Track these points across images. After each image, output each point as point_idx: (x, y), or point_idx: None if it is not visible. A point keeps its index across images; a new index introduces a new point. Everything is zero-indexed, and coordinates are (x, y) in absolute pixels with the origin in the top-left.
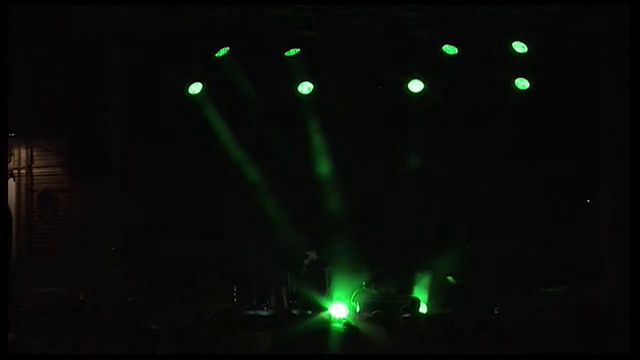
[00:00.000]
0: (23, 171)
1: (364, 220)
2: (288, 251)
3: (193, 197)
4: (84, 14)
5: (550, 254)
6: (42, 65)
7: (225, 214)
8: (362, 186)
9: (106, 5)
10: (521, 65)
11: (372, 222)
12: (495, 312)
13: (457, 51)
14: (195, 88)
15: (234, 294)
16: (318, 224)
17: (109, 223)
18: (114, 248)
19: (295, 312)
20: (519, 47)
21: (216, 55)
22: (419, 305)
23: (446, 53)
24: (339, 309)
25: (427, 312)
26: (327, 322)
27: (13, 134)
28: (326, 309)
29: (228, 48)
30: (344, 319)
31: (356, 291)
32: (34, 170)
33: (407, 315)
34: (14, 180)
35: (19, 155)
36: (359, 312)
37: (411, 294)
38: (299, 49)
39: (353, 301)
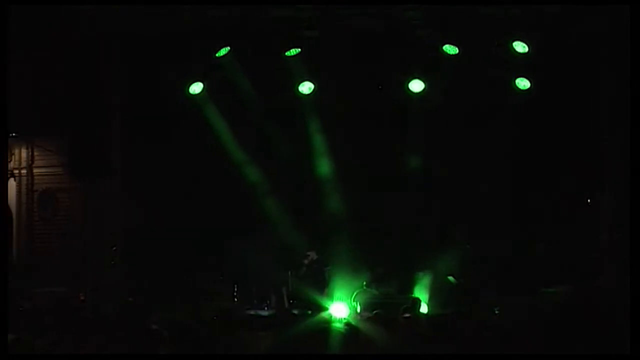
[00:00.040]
0: (24, 171)
1: (365, 220)
2: (288, 251)
3: (193, 197)
4: (84, 14)
5: (550, 254)
6: (42, 65)
7: (226, 214)
8: (363, 186)
9: (106, 5)
10: (522, 65)
11: (373, 222)
12: (496, 312)
13: (457, 51)
14: (196, 88)
15: (235, 294)
16: (318, 224)
17: (110, 223)
18: (114, 248)
19: (295, 312)
20: (520, 47)
21: (217, 55)
22: (420, 305)
23: (447, 53)
24: (340, 309)
25: (427, 312)
26: (328, 322)
27: (14, 134)
28: (327, 309)
29: (228, 48)
30: (344, 319)
31: (357, 291)
32: (35, 170)
33: (407, 315)
34: (15, 180)
35: (20, 155)
36: (360, 312)
37: (412, 294)
38: (299, 49)
39: (354, 301)
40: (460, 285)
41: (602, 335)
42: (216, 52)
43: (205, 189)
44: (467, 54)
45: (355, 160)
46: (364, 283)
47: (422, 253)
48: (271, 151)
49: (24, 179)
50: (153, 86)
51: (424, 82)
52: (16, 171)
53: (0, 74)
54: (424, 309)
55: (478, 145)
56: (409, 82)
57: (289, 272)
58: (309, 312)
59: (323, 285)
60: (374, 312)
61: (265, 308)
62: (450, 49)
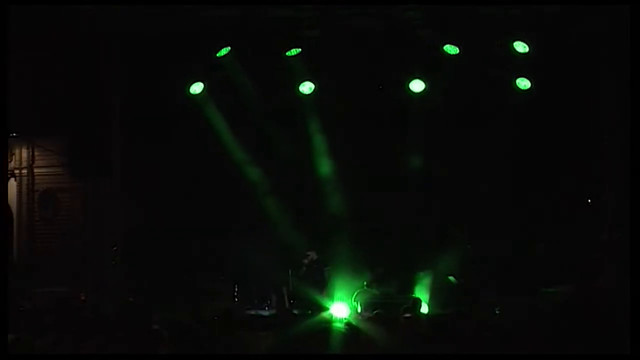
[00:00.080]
0: (24, 171)
1: (365, 220)
2: (288, 251)
3: (194, 197)
4: (84, 14)
5: (551, 254)
6: (42, 65)
7: (226, 214)
8: (363, 186)
9: (106, 5)
10: (522, 65)
11: (373, 222)
12: (497, 312)
13: (458, 51)
14: (196, 88)
15: (235, 294)
16: (319, 224)
17: (110, 223)
18: (114, 248)
19: (296, 312)
20: (520, 47)
21: (217, 55)
22: (420, 305)
23: (447, 53)
24: (340, 309)
25: (428, 312)
26: (329, 322)
27: (14, 134)
28: (327, 309)
29: (229, 48)
30: (345, 319)
31: (357, 291)
32: (35, 170)
33: (408, 315)
34: (15, 180)
35: (20, 155)
36: (360, 312)
37: (412, 294)
38: (300, 49)
39: (354, 301)
40: (460, 285)
41: (602, 335)
42: (217, 52)
43: (206, 189)
44: (467, 54)
45: (356, 160)
46: (365, 283)
47: (422, 253)
48: (271, 151)
49: (24, 179)
50: (153, 86)
51: (424, 82)
52: (17, 171)
53: (1, 74)
54: (424, 309)
55: (478, 145)
56: (409, 82)
57: (290, 272)
58: (310, 312)
59: (322, 286)
60: (375, 312)
61: (266, 308)
62: (450, 49)
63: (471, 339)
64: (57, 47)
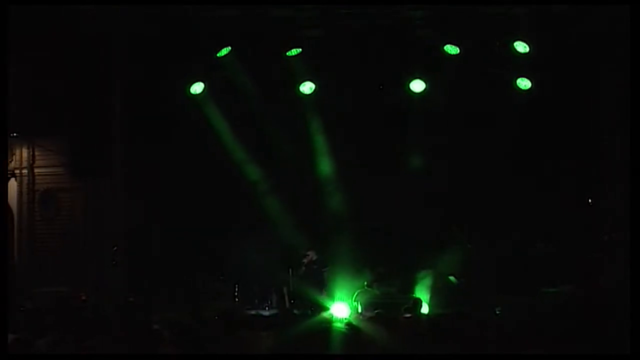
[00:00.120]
0: (25, 171)
1: (366, 220)
2: (288, 251)
3: (194, 197)
4: (84, 14)
5: (551, 254)
6: (43, 66)
7: (227, 214)
8: (364, 186)
9: (106, 5)
10: (523, 65)
11: (374, 222)
12: (497, 312)
13: (458, 51)
14: (197, 88)
15: (236, 293)
16: (319, 224)
17: (111, 223)
18: (115, 248)
19: (296, 312)
20: (521, 46)
21: (218, 55)
22: (421, 305)
23: (448, 53)
24: (341, 308)
25: (428, 312)
26: (329, 322)
27: (15, 134)
28: (328, 309)
29: (230, 48)
30: (345, 318)
31: (358, 291)
32: (36, 170)
33: (408, 315)
34: (16, 180)
35: (21, 155)
36: (361, 312)
37: (413, 293)
38: (300, 49)
39: (355, 301)
40: (461, 285)
41: (602, 335)
42: (217, 52)
43: (206, 188)
44: (468, 54)
45: (356, 160)
46: (365, 283)
47: (422, 253)
48: (272, 151)
49: (25, 179)
50: (154, 86)
51: (425, 82)
52: (17, 171)
53: (1, 74)
54: (425, 308)
55: (479, 145)
56: (409, 82)
57: (290, 272)
58: (310, 312)
59: (321, 286)
60: (375, 312)
61: (267, 308)
62: (451, 49)
63: (472, 339)
64: (57, 47)
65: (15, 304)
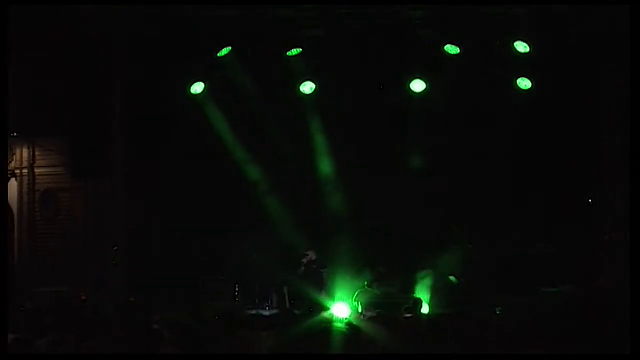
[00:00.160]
0: (25, 171)
1: (366, 220)
2: (288, 251)
3: (194, 197)
4: (84, 14)
5: (551, 254)
6: (43, 66)
7: (227, 214)
8: (364, 186)
9: (106, 5)
10: (523, 65)
11: (374, 222)
12: (498, 312)
13: (459, 51)
14: (197, 88)
15: (236, 293)
16: (320, 224)
17: (111, 223)
18: (115, 248)
19: (297, 312)
20: (521, 46)
21: (218, 55)
22: (421, 305)
23: (448, 53)
24: (341, 308)
25: (429, 312)
26: (330, 322)
27: (15, 134)
28: (328, 309)
29: (230, 48)
30: (346, 318)
31: (358, 291)
32: (36, 170)
33: (409, 315)
34: (16, 180)
35: (21, 155)
36: (361, 312)
37: (413, 293)
38: (301, 49)
39: (355, 301)
40: (461, 285)
41: (602, 335)
42: (217, 52)
43: (206, 188)
44: (468, 54)
45: (357, 160)
46: (366, 283)
47: (423, 253)
48: (272, 151)
49: (25, 179)
50: (154, 86)
51: (425, 82)
52: (18, 171)
53: (1, 74)
54: (425, 309)
55: (479, 145)
56: (410, 82)
57: (291, 272)
58: (309, 311)
59: (321, 286)
60: (376, 311)
61: (267, 308)
62: (451, 49)
63: (473, 339)
64: (57, 47)
65: (15, 304)
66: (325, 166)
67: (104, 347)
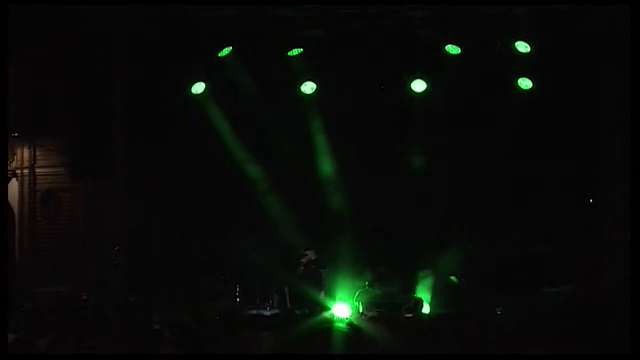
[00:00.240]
0: (26, 171)
1: (367, 220)
2: (289, 250)
3: (195, 197)
4: (84, 14)
5: (551, 254)
6: (43, 66)
7: (228, 214)
8: (365, 186)
9: (106, 5)
10: (524, 65)
11: (375, 221)
12: (499, 312)
13: (459, 51)
14: (198, 88)
15: (237, 293)
16: (320, 224)
17: (111, 223)
18: (116, 248)
19: (298, 311)
20: (522, 46)
21: (219, 55)
22: (422, 305)
23: (449, 53)
24: (342, 308)
25: (429, 312)
26: (330, 322)
27: (16, 134)
28: (329, 309)
29: (231, 48)
30: (346, 318)
31: (359, 291)
32: (37, 170)
33: (409, 315)
34: (17, 180)
35: (22, 155)
36: (362, 311)
37: (414, 293)
38: (301, 49)
39: (356, 301)
40: (462, 285)
41: (602, 335)
42: (218, 52)
43: (207, 188)
44: (469, 54)
45: (357, 160)
46: (366, 283)
47: (423, 253)
48: (273, 151)
49: (26, 179)
50: (154, 86)
51: (425, 82)
52: (18, 171)
53: (1, 74)
54: (426, 308)
55: (480, 145)
56: (411, 82)
57: (290, 272)
58: (307, 312)
59: (320, 286)
60: (376, 311)
61: (268, 308)
62: (452, 49)
63: (473, 339)
64: (57, 47)
65: (15, 304)
66: (326, 166)
67: (104, 347)
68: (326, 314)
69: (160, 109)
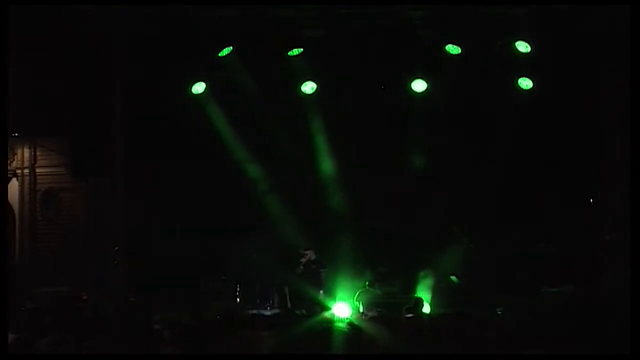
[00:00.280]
0: (26, 171)
1: (367, 220)
2: (288, 250)
3: (195, 197)
4: (84, 14)
5: (551, 254)
6: (43, 66)
7: (228, 214)
8: (365, 186)
9: (106, 5)
10: (524, 65)
11: (375, 221)
12: (499, 312)
13: (460, 51)
14: (199, 88)
15: (237, 293)
16: (320, 224)
17: (112, 222)
18: (116, 248)
19: (298, 312)
20: (522, 46)
21: (219, 54)
22: (422, 304)
23: (449, 53)
24: (342, 308)
25: (430, 312)
26: (331, 322)
27: (16, 134)
28: (329, 309)
29: (231, 48)
30: (347, 318)
31: (359, 291)
32: (37, 170)
33: (410, 314)
34: (17, 180)
35: (22, 155)
36: (362, 311)
37: (414, 293)
38: (302, 49)
39: (356, 301)
40: (462, 285)
41: (602, 335)
42: (218, 52)
43: (207, 188)
44: (469, 54)
45: (357, 159)
46: (367, 282)
47: (424, 253)
48: (273, 151)
49: (26, 179)
50: (154, 86)
51: (426, 82)
52: (19, 171)
53: (1, 74)
54: (426, 308)
55: (480, 145)
56: (411, 82)
57: (290, 272)
58: (306, 312)
59: (319, 286)
60: (377, 311)
61: (268, 308)
62: (452, 49)
63: (474, 339)
64: (57, 47)
65: (15, 304)
66: (326, 166)
67: (104, 347)
68: (326, 314)
69: (160, 109)
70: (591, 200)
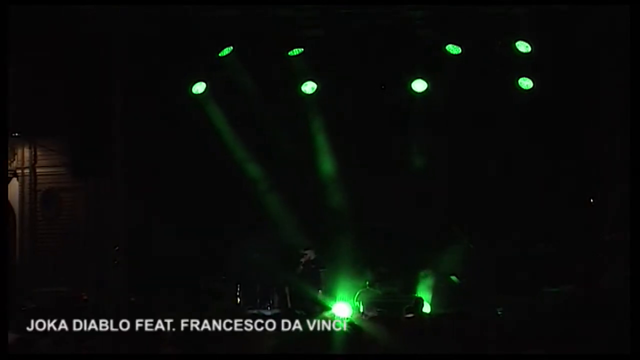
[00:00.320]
0: (26, 171)
1: (367, 220)
2: (288, 250)
3: (195, 197)
4: (84, 14)
5: (551, 254)
6: (43, 66)
7: (228, 214)
8: (365, 186)
9: (106, 5)
10: (524, 65)
11: (376, 221)
12: (499, 312)
13: (460, 51)
14: (199, 88)
15: (237, 293)
16: (321, 224)
17: (112, 222)
18: (117, 247)
19: (298, 311)
20: (523, 46)
21: (220, 54)
22: (423, 304)
23: (449, 53)
24: (343, 308)
25: (430, 312)
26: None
27: (16, 134)
28: (329, 309)
29: (231, 48)
30: (347, 318)
31: (359, 291)
32: (38, 170)
33: (410, 314)
34: (18, 180)
35: (23, 155)
36: (363, 311)
37: (415, 293)
38: (302, 49)
39: (356, 301)
40: (463, 285)
41: (602, 335)
42: (219, 52)
43: (207, 188)
44: (469, 54)
45: (358, 159)
46: (367, 282)
47: (424, 253)
48: (273, 151)
49: (26, 179)
50: (154, 86)
51: (426, 82)
52: (19, 171)
53: (1, 74)
54: (427, 308)
55: (480, 145)
56: (411, 82)
57: (291, 271)
58: (305, 312)
59: (319, 286)
60: (377, 311)
61: (268, 308)
62: (452, 49)
63: (474, 339)
64: (57, 47)
65: (16, 304)
66: (326, 166)
67: (104, 347)
68: (326, 314)
69: (160, 109)
70: (591, 200)
